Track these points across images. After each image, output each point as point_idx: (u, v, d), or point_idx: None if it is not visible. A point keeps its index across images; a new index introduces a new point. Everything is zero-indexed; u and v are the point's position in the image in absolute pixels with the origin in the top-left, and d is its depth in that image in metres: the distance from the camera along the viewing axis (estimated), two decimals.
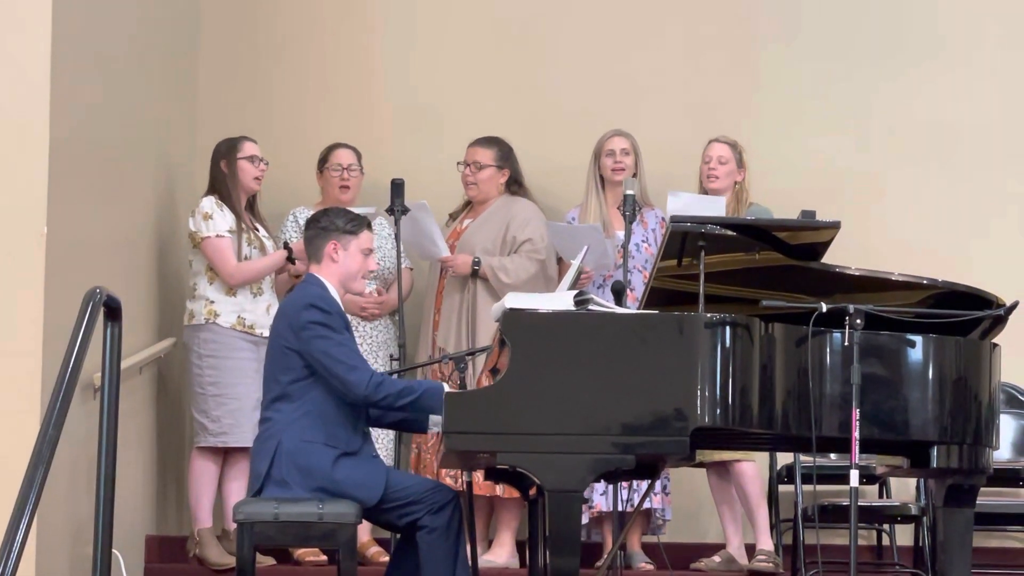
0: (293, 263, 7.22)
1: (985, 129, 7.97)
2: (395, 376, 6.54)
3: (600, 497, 7.23)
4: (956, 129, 7.98)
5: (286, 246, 7.30)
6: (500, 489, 7.15)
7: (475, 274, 7.44)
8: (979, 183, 7.96)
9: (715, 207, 6.96)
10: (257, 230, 7.37)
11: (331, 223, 5.91)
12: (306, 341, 5.68)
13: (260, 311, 7.20)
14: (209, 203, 7.25)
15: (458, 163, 7.63)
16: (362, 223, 5.95)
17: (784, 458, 7.40)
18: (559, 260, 7.50)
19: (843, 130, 8.03)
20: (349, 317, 7.33)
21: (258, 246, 7.30)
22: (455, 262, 7.45)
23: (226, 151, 7.34)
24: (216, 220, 7.21)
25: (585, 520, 7.26)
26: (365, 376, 5.63)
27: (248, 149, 7.34)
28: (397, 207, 7.22)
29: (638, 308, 5.90)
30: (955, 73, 8.03)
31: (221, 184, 7.30)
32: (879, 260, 6.35)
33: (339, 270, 5.90)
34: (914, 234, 7.89)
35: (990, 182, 7.96)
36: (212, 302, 7.22)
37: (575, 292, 5.36)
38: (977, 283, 5.77)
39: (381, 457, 6.13)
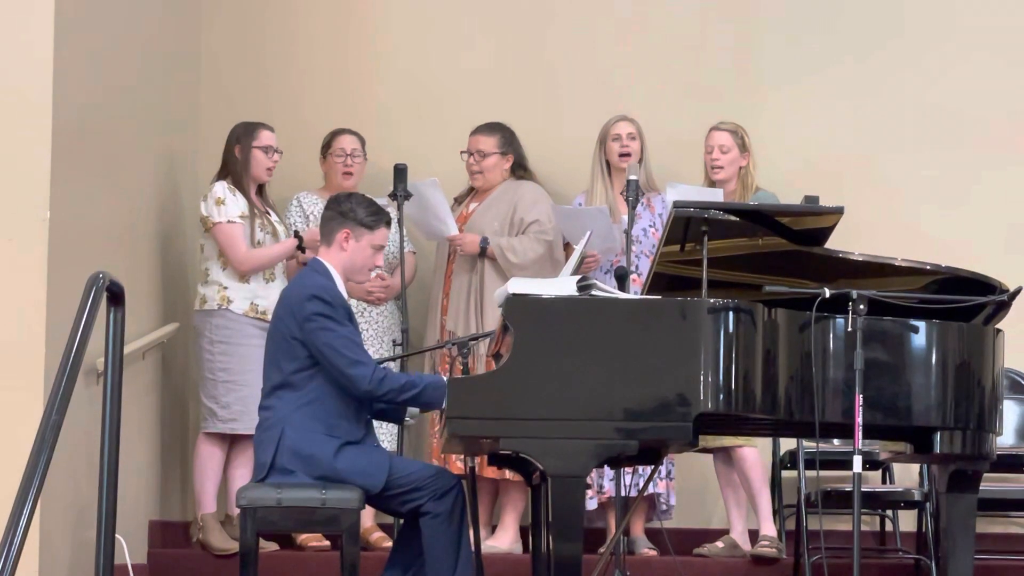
0: (303, 252, 7.21)
1: (987, 114, 7.95)
2: (396, 364, 6.55)
3: (610, 483, 7.23)
4: (958, 114, 7.96)
5: (296, 235, 7.29)
6: (509, 472, 7.14)
7: (483, 253, 7.43)
8: (981, 168, 7.94)
9: (714, 198, 6.96)
10: (269, 215, 7.36)
11: (351, 211, 5.87)
12: (309, 332, 5.67)
13: (273, 297, 7.13)
14: (222, 188, 7.24)
15: (462, 152, 7.62)
16: (381, 219, 5.90)
17: (787, 444, 7.40)
18: (565, 245, 7.50)
19: (846, 115, 8.02)
20: (355, 302, 7.37)
21: (271, 231, 7.29)
22: (463, 241, 7.43)
23: (241, 136, 7.30)
24: (228, 205, 7.20)
25: (594, 506, 7.27)
26: (368, 371, 5.62)
27: (264, 138, 7.32)
28: (400, 192, 7.22)
29: (641, 293, 5.89)
30: (957, 57, 8.01)
31: (233, 168, 7.29)
32: (882, 245, 6.34)
33: (346, 259, 5.87)
34: (917, 219, 7.87)
35: (993, 166, 7.94)
36: (225, 288, 7.21)
37: (578, 277, 5.36)
38: (979, 268, 5.76)
39: (384, 444, 6.14)
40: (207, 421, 7.25)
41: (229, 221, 7.19)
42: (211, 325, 7.22)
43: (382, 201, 6.99)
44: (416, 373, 6.28)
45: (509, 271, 7.22)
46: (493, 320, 7.20)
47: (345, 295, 5.84)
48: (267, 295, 7.21)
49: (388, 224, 5.94)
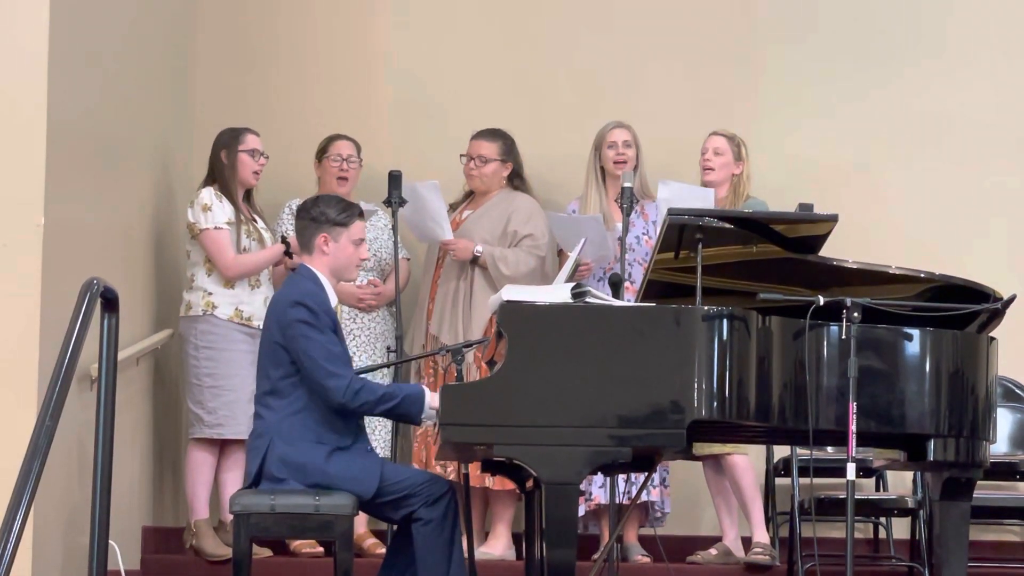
0: (291, 257, 7.21)
1: (983, 123, 7.97)
2: (389, 371, 6.53)
3: (599, 490, 7.23)
4: (954, 123, 7.97)
5: (284, 240, 7.29)
6: (490, 481, 7.14)
7: (474, 261, 7.43)
8: (977, 177, 7.96)
9: (704, 198, 6.95)
10: (255, 221, 7.36)
11: (321, 214, 5.87)
12: (290, 339, 5.68)
13: (258, 303, 7.19)
14: (208, 194, 7.24)
15: (461, 155, 7.62)
16: (353, 213, 5.91)
17: (781, 451, 7.41)
18: (559, 252, 7.50)
19: (841, 124, 8.03)
20: (347, 308, 7.36)
21: (257, 238, 7.29)
22: (457, 246, 7.43)
23: (227, 141, 7.32)
24: (215, 212, 7.20)
25: (582, 512, 7.26)
26: (343, 383, 5.61)
27: (250, 142, 7.33)
28: (394, 199, 7.22)
29: (636, 301, 5.89)
30: (954, 68, 8.02)
31: (220, 174, 7.29)
32: (877, 253, 6.34)
33: (330, 262, 5.87)
34: (912, 227, 7.88)
35: (988, 176, 7.95)
36: (210, 294, 7.21)
37: (572, 284, 5.36)
38: (974, 277, 5.76)
39: (376, 450, 6.12)
40: (195, 427, 7.24)
41: (216, 228, 7.19)
42: (196, 331, 7.22)
43: (370, 206, 6.99)
44: (395, 384, 6.26)
45: (499, 281, 7.21)
46: (478, 326, 7.21)
47: (334, 301, 5.84)
48: (252, 301, 7.22)
49: (361, 216, 5.95)
